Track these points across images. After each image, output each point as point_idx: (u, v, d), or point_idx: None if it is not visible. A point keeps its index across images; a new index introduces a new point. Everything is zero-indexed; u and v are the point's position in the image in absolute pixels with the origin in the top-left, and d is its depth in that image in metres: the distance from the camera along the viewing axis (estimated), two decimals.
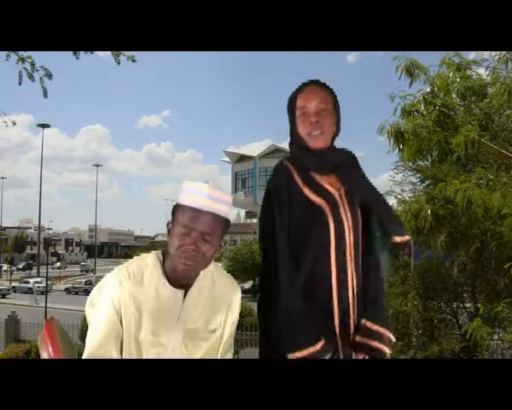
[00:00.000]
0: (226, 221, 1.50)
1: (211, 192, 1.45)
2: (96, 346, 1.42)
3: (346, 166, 1.82)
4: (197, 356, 1.51)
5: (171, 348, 1.48)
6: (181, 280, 1.49)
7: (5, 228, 70.97)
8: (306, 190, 1.72)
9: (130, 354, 1.45)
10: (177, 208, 1.48)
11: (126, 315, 1.45)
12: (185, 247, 1.43)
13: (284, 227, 1.67)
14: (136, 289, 1.47)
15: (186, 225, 1.44)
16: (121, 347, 1.45)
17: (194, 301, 1.52)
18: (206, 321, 1.54)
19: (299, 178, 1.73)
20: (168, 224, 1.50)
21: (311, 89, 1.76)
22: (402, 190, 7.07)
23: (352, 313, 1.70)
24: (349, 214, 1.73)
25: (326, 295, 1.67)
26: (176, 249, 1.45)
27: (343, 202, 1.74)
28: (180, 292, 1.50)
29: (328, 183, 1.75)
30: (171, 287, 1.49)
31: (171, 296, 1.49)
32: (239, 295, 1.63)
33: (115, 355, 1.42)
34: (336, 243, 1.68)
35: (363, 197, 1.80)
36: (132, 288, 1.47)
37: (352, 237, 1.71)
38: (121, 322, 1.45)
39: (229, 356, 1.63)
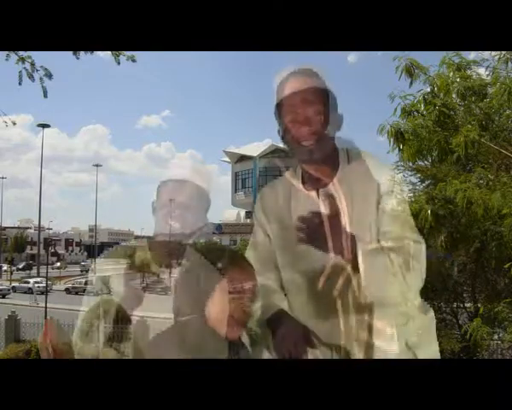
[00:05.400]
0: None
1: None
2: None
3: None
4: None
5: None
6: None
7: (5, 228, 70.95)
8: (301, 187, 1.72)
9: None
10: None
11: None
12: None
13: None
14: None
15: None
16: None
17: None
18: None
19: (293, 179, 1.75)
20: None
21: (293, 79, 1.66)
22: (402, 190, 7.03)
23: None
24: (343, 200, 1.63)
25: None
26: None
27: (337, 189, 1.65)
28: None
29: (320, 172, 1.67)
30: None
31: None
32: None
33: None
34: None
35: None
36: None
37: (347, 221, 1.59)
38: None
39: None
